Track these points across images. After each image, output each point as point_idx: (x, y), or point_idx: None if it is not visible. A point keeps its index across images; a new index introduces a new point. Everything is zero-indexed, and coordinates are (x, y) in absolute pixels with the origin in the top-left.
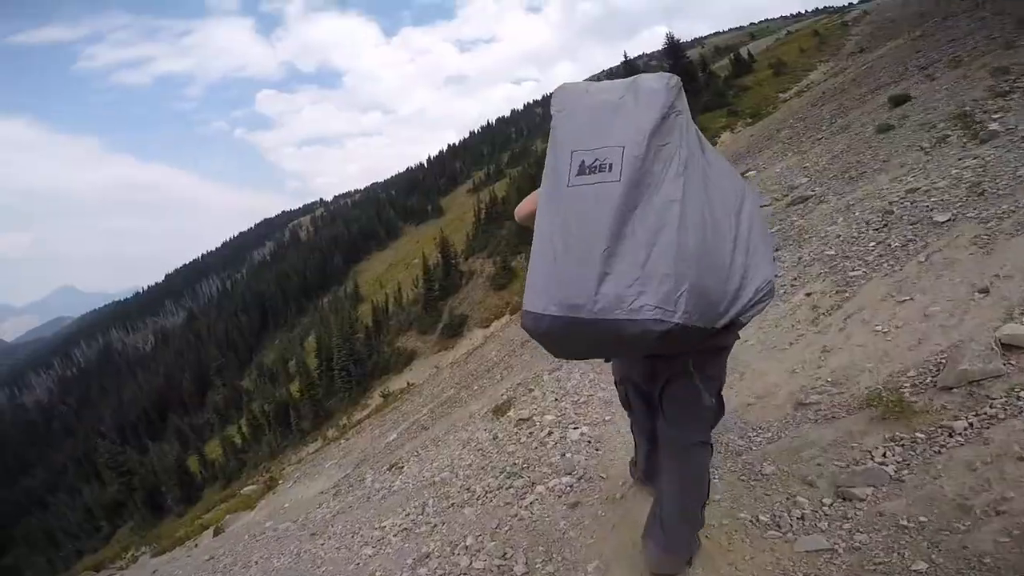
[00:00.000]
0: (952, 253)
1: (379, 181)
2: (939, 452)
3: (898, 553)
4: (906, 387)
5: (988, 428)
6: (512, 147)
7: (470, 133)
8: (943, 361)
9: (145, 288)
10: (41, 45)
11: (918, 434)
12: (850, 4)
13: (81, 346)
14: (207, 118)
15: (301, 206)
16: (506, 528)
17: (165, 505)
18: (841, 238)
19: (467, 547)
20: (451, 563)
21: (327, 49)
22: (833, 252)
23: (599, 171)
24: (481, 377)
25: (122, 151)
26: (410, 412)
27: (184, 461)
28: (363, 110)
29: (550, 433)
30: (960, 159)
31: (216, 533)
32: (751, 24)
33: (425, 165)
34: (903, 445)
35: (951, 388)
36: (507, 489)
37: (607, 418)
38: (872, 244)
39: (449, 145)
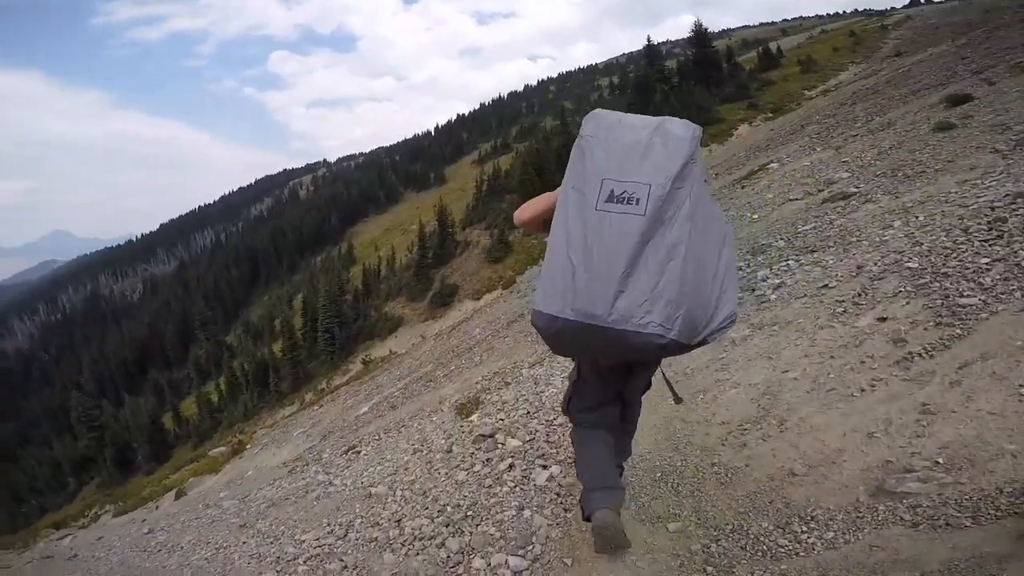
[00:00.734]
0: None
1: (384, 146)
2: None
3: None
4: None
5: None
6: (522, 122)
7: (480, 105)
8: None
9: (139, 236)
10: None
11: None
12: (892, 8)
13: (68, 291)
14: (218, 76)
15: (304, 165)
16: None
17: (135, 462)
18: (924, 247)
19: None
20: None
21: (345, 13)
22: (916, 265)
23: (627, 202)
24: (461, 355)
25: (132, 106)
26: (385, 385)
27: (159, 417)
28: (375, 75)
29: (511, 467)
30: None
31: (178, 496)
32: (783, 20)
33: (432, 133)
34: None
35: None
36: (438, 546)
37: None
38: (985, 261)
39: (458, 115)
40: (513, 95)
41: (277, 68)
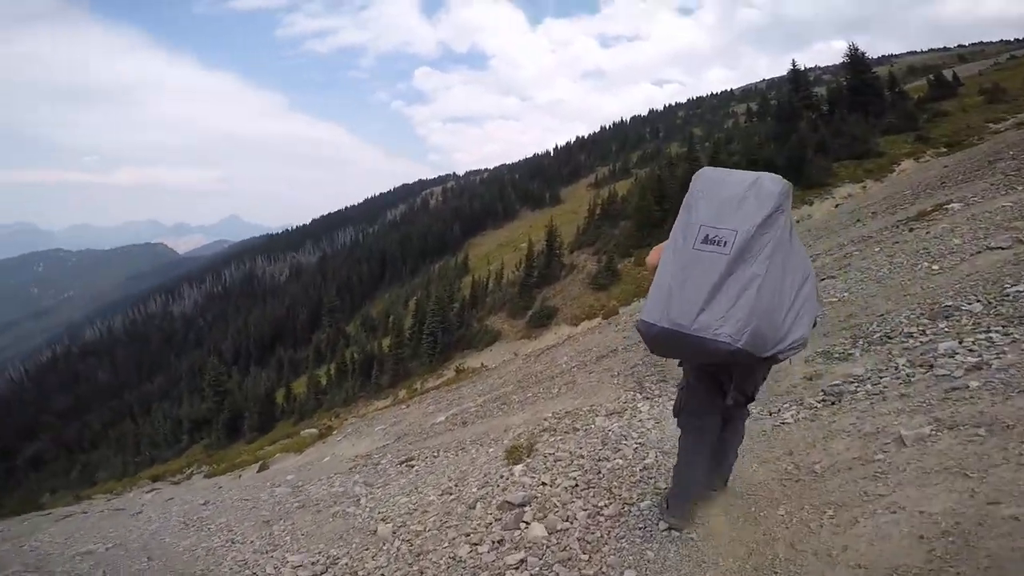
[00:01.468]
0: None
1: (507, 163)
2: None
3: None
4: None
5: None
6: (644, 147)
7: (601, 128)
8: None
9: (293, 227)
10: (248, 11)
11: None
12: None
13: (231, 268)
14: (373, 88)
15: (436, 176)
16: None
17: (242, 429)
18: None
19: None
20: None
21: (478, 32)
22: None
23: (717, 244)
24: (541, 382)
25: (302, 110)
26: (465, 397)
27: (273, 391)
28: (504, 94)
29: (521, 564)
30: None
31: (261, 469)
32: (958, 47)
33: (551, 154)
34: None
35: None
36: None
37: None
38: None
39: (578, 137)
40: (636, 120)
41: (421, 83)
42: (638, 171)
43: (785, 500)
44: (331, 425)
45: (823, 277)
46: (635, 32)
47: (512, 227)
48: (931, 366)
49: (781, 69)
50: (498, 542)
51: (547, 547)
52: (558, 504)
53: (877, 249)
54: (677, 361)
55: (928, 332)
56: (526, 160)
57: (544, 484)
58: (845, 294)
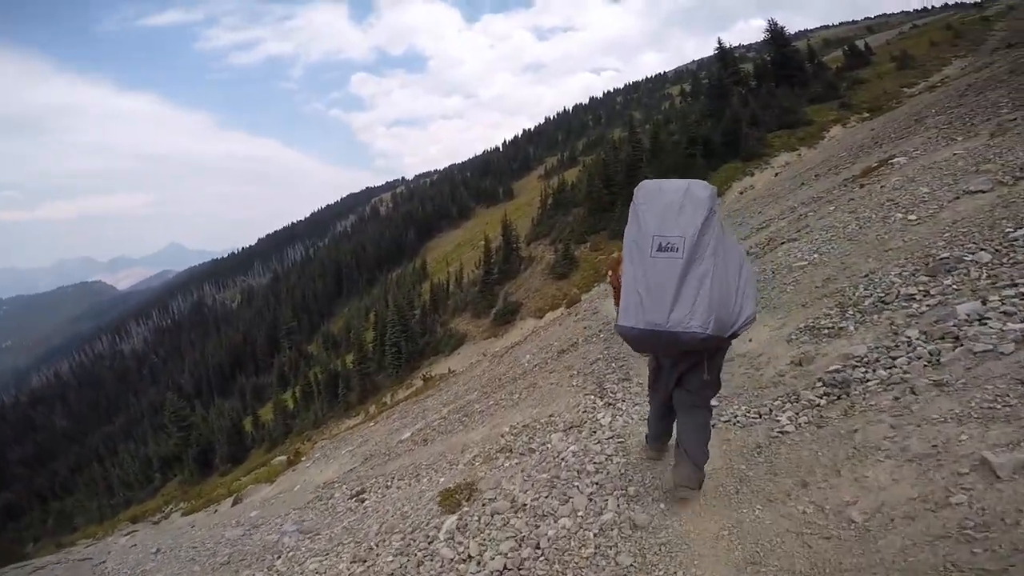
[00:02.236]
0: None
1: (457, 162)
2: None
3: None
4: None
5: None
6: (588, 134)
7: (545, 119)
8: None
9: (240, 249)
10: (163, 27)
11: None
12: (984, 1)
13: (177, 299)
14: (308, 98)
15: (384, 183)
16: None
17: (213, 462)
18: None
19: None
20: None
21: (414, 34)
22: None
23: (670, 250)
24: (505, 386)
25: (234, 127)
26: (430, 409)
27: (239, 420)
28: (446, 94)
29: None
30: None
31: (235, 502)
32: (865, 19)
33: (500, 149)
34: None
35: None
36: None
37: None
38: None
39: (524, 130)
40: (579, 108)
41: (358, 90)
42: (584, 158)
43: None
44: (300, 451)
45: (783, 241)
46: (570, 23)
47: (468, 226)
48: (957, 338)
49: (708, 50)
50: None
51: None
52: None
53: (832, 208)
54: (638, 356)
55: (933, 292)
56: (476, 158)
57: (468, 559)
58: (815, 256)
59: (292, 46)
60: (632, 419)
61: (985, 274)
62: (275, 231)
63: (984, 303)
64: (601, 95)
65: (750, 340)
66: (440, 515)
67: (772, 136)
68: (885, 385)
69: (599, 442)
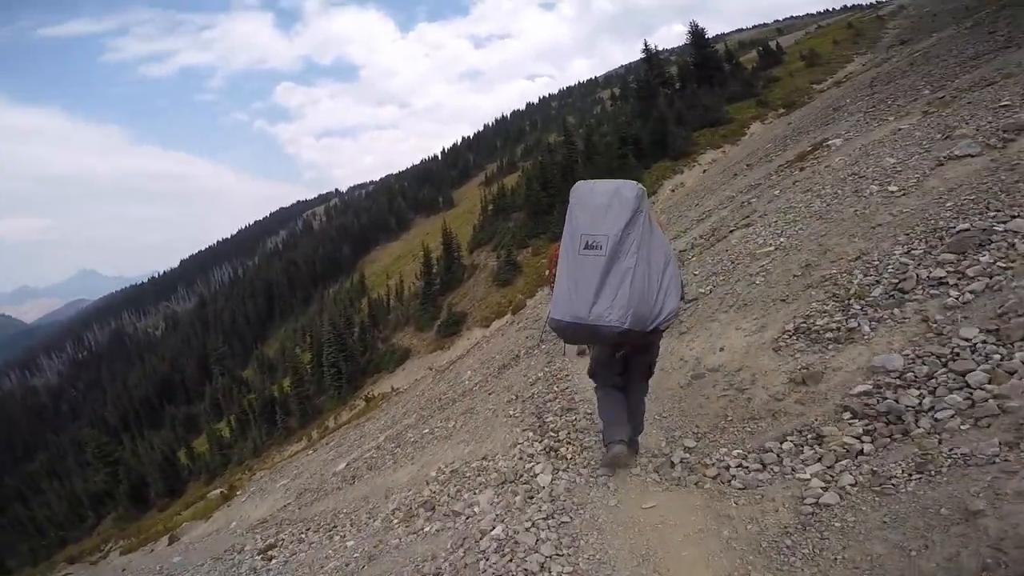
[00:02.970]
0: None
1: (394, 173)
2: None
3: None
4: None
5: None
6: (525, 140)
7: (484, 126)
8: None
9: (160, 273)
10: (68, 38)
11: None
12: (879, 1)
13: (93, 329)
14: (228, 109)
15: (316, 196)
16: None
17: (148, 497)
18: None
19: None
20: None
21: (344, 43)
22: None
23: (594, 248)
24: (444, 408)
25: (147, 142)
26: (368, 436)
27: (173, 453)
28: (379, 103)
29: None
30: None
31: (171, 541)
32: (775, 21)
33: (439, 157)
34: None
35: None
36: None
37: None
38: None
39: (463, 138)
40: (516, 114)
41: (284, 100)
42: (524, 163)
43: None
44: (236, 484)
45: (732, 228)
46: (505, 30)
47: (408, 238)
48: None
49: (634, 55)
50: None
51: None
52: None
53: (776, 192)
54: (582, 375)
55: (971, 274)
56: (414, 167)
57: None
58: (780, 240)
59: (212, 56)
60: (579, 477)
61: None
62: (199, 251)
63: None
64: (537, 100)
65: (721, 349)
66: None
67: (697, 134)
68: (968, 417)
69: (532, 524)
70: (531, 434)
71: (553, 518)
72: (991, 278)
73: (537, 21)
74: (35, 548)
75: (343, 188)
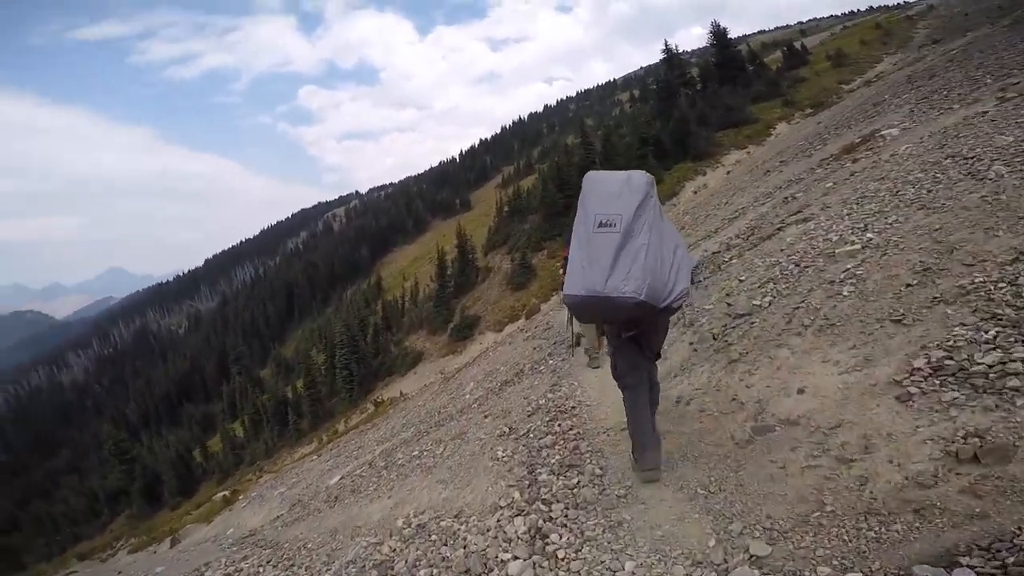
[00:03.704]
0: None
1: (413, 175)
2: None
3: None
4: None
5: None
6: (543, 142)
7: (501, 128)
8: None
9: (185, 272)
10: (97, 40)
11: None
12: (907, 1)
13: (119, 327)
14: (253, 111)
15: (337, 197)
16: None
17: (162, 496)
18: None
19: None
20: None
21: (364, 46)
22: None
23: (608, 227)
24: (439, 426)
25: (175, 142)
26: (365, 447)
27: (188, 451)
28: (399, 106)
29: None
30: None
31: (173, 543)
32: (798, 23)
33: (456, 160)
34: None
35: None
36: None
37: None
38: None
39: (480, 140)
40: (533, 116)
41: (306, 103)
42: (540, 166)
43: None
44: (240, 488)
45: (780, 225)
46: (522, 33)
47: (424, 240)
48: None
49: (653, 58)
50: None
51: None
52: None
53: (830, 184)
54: (588, 421)
55: None
56: (432, 169)
57: None
58: (868, 236)
59: (236, 59)
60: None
61: None
62: (222, 251)
63: None
64: (555, 103)
65: (800, 391)
66: None
67: (720, 135)
68: None
69: None
70: (517, 495)
71: None
72: None
73: (554, 24)
74: (51, 544)
75: (363, 190)
